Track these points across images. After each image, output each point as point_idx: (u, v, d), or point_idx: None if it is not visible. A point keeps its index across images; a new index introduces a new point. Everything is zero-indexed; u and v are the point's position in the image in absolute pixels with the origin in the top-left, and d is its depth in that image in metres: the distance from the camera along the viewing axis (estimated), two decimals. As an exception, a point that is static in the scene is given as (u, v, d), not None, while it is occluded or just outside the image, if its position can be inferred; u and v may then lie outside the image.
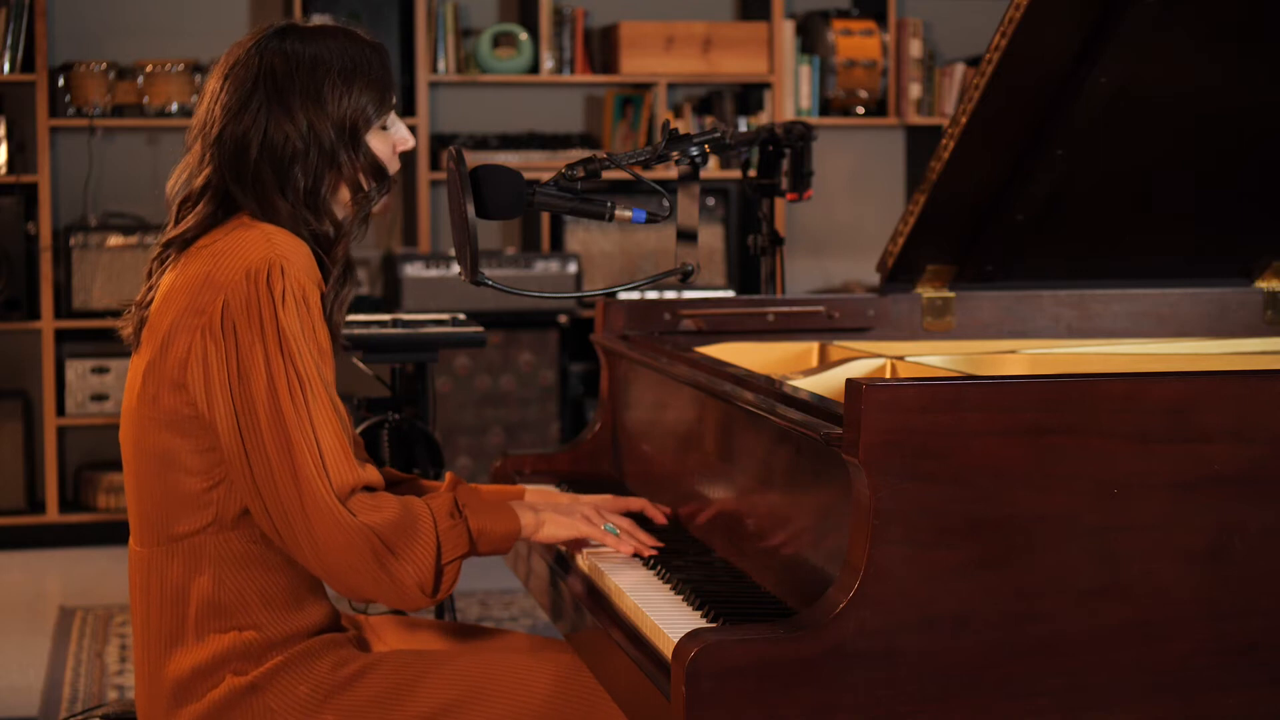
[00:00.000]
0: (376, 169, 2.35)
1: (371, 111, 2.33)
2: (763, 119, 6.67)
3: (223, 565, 2.27)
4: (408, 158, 6.52)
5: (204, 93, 2.35)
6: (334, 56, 2.31)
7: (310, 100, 2.29)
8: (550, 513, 2.42)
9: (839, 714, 1.89)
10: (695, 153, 2.46)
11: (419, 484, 2.60)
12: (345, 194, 2.34)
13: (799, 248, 6.99)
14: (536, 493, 2.62)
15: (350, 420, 2.30)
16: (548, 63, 6.56)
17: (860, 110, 6.83)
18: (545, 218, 6.53)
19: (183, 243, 2.31)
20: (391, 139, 2.38)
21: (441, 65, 6.49)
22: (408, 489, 2.56)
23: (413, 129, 6.39)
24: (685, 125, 6.68)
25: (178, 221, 2.34)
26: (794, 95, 6.71)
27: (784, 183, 3.77)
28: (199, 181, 2.33)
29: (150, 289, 2.34)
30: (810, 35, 6.80)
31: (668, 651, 2.01)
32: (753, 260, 6.49)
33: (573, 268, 6.29)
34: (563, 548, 2.60)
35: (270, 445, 2.18)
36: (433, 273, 6.16)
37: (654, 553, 2.46)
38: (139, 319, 2.33)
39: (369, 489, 2.24)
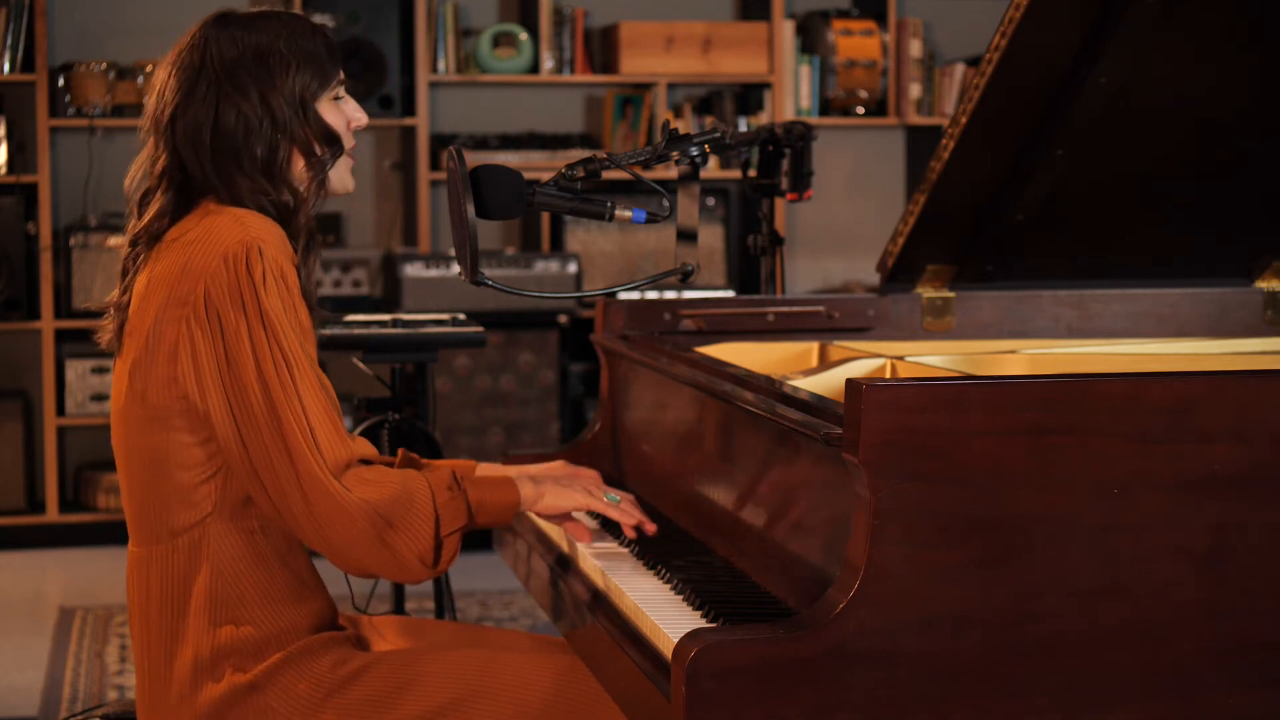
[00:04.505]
0: (328, 135, 2.38)
1: (316, 86, 2.37)
2: (763, 119, 6.67)
3: (220, 558, 2.28)
4: (409, 158, 6.52)
5: (152, 84, 2.39)
6: (275, 38, 2.35)
7: (260, 78, 2.33)
8: (551, 484, 2.44)
9: (839, 714, 1.89)
10: (695, 153, 2.46)
11: (419, 463, 2.60)
12: (300, 165, 2.37)
13: (799, 248, 6.99)
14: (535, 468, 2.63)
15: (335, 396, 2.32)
16: (548, 63, 6.56)
17: (860, 110, 6.83)
18: (545, 218, 6.53)
19: (150, 237, 2.34)
20: (345, 113, 2.42)
21: (441, 65, 6.49)
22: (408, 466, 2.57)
23: (413, 129, 6.41)
24: (685, 125, 6.67)
25: (140, 215, 2.37)
26: (794, 95, 6.71)
27: (784, 183, 3.77)
28: (157, 169, 2.36)
29: (126, 289, 2.35)
30: (810, 35, 6.79)
31: (668, 651, 2.01)
32: (753, 260, 6.49)
33: (573, 268, 6.29)
34: (548, 527, 2.61)
35: (264, 427, 2.20)
36: (433, 273, 6.15)
37: (654, 529, 2.48)
38: (119, 321, 2.34)
39: (364, 462, 2.25)
